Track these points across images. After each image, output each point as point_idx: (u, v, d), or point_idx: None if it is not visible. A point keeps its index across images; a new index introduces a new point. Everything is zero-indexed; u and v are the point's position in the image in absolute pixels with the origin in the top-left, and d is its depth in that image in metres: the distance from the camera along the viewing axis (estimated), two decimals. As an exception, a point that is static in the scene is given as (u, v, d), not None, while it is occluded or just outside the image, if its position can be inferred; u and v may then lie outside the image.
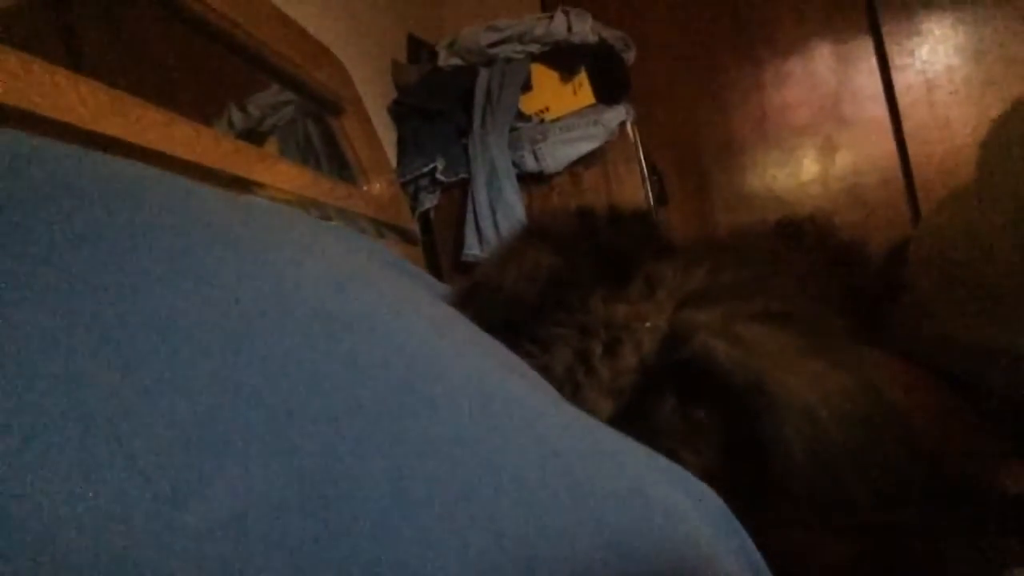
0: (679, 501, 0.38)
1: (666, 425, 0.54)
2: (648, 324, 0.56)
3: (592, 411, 0.53)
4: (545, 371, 0.55)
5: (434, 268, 2.03)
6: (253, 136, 1.53)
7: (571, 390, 0.55)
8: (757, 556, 0.42)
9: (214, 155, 1.07)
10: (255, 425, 0.25)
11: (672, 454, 0.51)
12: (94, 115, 0.84)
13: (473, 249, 1.93)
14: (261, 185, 1.17)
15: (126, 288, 0.26)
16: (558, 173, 1.99)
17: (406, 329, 0.36)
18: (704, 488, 0.44)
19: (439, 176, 1.97)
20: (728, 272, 0.59)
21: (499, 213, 1.91)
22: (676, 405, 0.54)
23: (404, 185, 1.96)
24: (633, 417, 0.54)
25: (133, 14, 1.15)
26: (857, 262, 0.85)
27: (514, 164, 1.96)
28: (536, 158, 1.95)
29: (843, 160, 2.80)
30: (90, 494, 0.21)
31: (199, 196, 0.37)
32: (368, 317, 0.34)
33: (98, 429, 0.22)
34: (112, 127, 0.86)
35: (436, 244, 2.06)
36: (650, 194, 2.03)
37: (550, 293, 0.61)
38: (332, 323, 0.32)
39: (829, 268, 0.79)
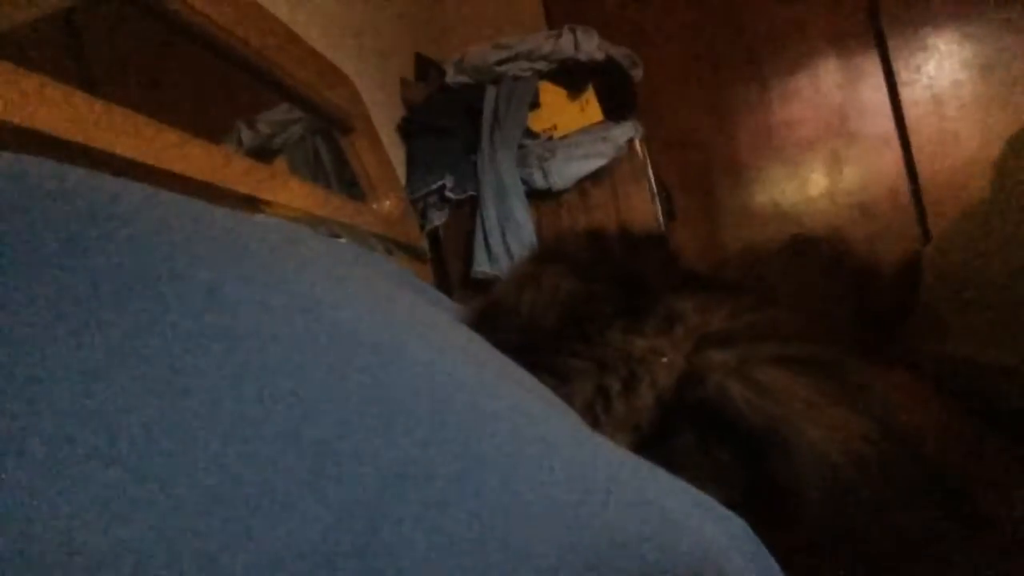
0: (706, 527, 0.38)
1: (686, 460, 0.54)
2: (665, 360, 0.56)
3: None
4: (566, 402, 0.55)
5: (443, 285, 2.03)
6: (262, 153, 1.54)
7: (591, 423, 0.55)
8: None
9: (226, 174, 1.07)
10: (294, 468, 0.25)
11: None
12: (108, 136, 0.84)
13: (482, 266, 1.93)
14: (271, 204, 1.18)
15: (166, 334, 0.26)
16: (566, 190, 1.99)
17: (439, 359, 0.36)
18: (729, 514, 0.43)
19: (448, 193, 1.97)
20: (748, 314, 0.59)
21: (508, 230, 1.91)
22: (695, 442, 0.54)
23: (413, 202, 1.97)
24: (651, 451, 0.54)
25: (142, 31, 1.16)
26: (870, 281, 0.85)
27: (523, 181, 1.97)
28: (544, 175, 1.95)
29: (850, 175, 2.79)
30: (136, 536, 0.21)
31: (215, 217, 0.37)
32: (399, 346, 0.34)
33: (144, 471, 0.22)
34: (126, 148, 0.87)
35: (445, 261, 2.06)
36: (659, 211, 2.02)
37: (568, 319, 0.61)
38: (363, 352, 0.32)
39: (843, 287, 0.79)
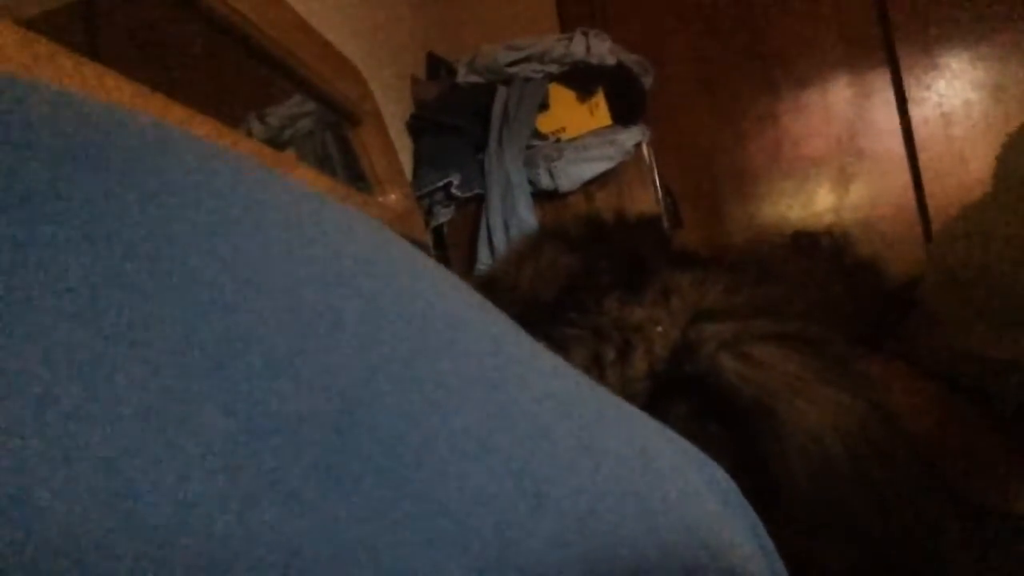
0: (690, 476, 0.38)
1: (679, 432, 0.54)
2: (660, 329, 0.56)
3: None
4: None
5: (446, 283, 2.03)
6: (272, 146, 1.55)
7: None
8: (768, 541, 0.41)
9: (232, 154, 1.08)
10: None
11: None
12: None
13: (486, 264, 1.93)
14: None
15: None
16: (572, 192, 2.00)
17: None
18: (714, 466, 0.43)
19: (454, 191, 1.97)
20: (746, 291, 0.59)
21: (513, 229, 1.91)
22: (689, 414, 0.55)
23: (419, 199, 1.97)
24: None
25: (157, 14, 1.17)
26: (871, 277, 0.85)
27: (529, 181, 1.97)
28: (551, 176, 1.96)
29: (858, 192, 2.79)
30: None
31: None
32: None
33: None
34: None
35: (449, 259, 2.07)
36: (664, 215, 2.03)
37: (567, 293, 0.61)
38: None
39: (843, 280, 0.79)
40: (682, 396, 0.56)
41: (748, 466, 0.55)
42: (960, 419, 0.66)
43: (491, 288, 0.67)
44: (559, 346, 0.57)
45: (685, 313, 0.58)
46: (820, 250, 0.86)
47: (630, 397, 0.56)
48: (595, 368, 0.56)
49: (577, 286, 0.62)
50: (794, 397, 0.52)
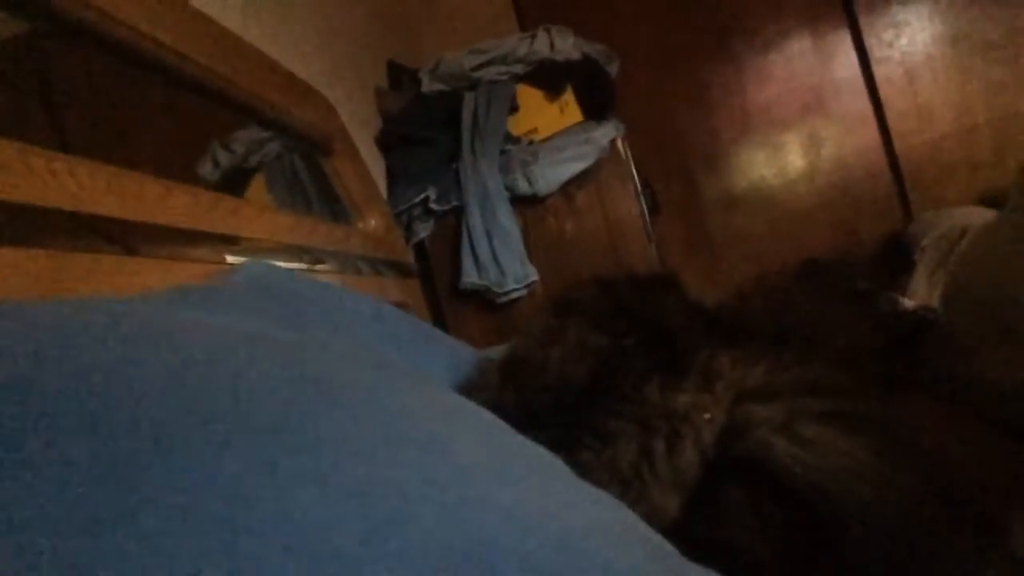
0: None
1: (735, 518, 0.53)
2: (708, 416, 0.55)
3: (660, 506, 0.52)
4: (611, 465, 0.54)
5: (431, 297, 2.01)
6: (239, 173, 1.51)
7: (638, 486, 0.54)
8: None
9: (212, 218, 1.04)
10: None
11: (744, 547, 0.50)
12: (91, 197, 0.81)
13: (470, 276, 1.91)
14: (252, 239, 1.14)
15: None
16: (551, 194, 1.97)
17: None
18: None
19: (432, 205, 1.94)
20: (787, 369, 0.58)
21: (495, 238, 1.89)
22: (743, 498, 0.53)
23: (397, 216, 1.93)
24: (700, 508, 0.53)
25: (110, 64, 1.12)
26: (886, 302, 0.84)
27: (506, 187, 1.94)
28: (528, 181, 1.93)
29: (828, 155, 2.80)
30: None
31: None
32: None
33: None
34: (109, 207, 0.84)
35: (433, 273, 2.03)
36: (644, 208, 2.01)
37: (599, 376, 0.59)
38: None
39: (858, 309, 0.79)
40: (734, 481, 0.55)
41: (807, 547, 0.54)
42: (1001, 462, 0.66)
43: (518, 370, 0.65)
44: (605, 441, 0.56)
45: (729, 395, 0.56)
46: (829, 280, 0.85)
47: (682, 486, 0.55)
48: (645, 462, 0.55)
49: (610, 368, 0.60)
50: (852, 480, 0.51)
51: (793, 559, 0.53)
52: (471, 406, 0.51)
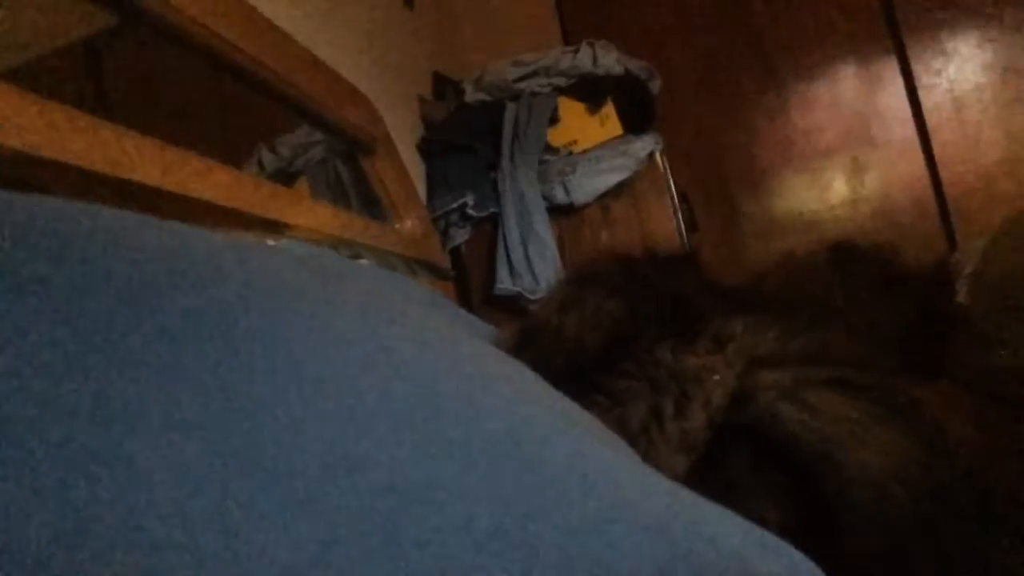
0: (770, 564, 0.37)
1: (740, 481, 0.53)
2: (717, 377, 0.55)
3: (667, 465, 0.53)
4: (620, 424, 0.54)
5: (465, 303, 2.03)
6: (283, 176, 1.55)
7: (646, 445, 0.54)
8: None
9: (252, 200, 1.07)
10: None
11: (749, 509, 0.50)
12: (137, 166, 0.84)
13: (505, 283, 1.92)
14: (295, 227, 1.17)
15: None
16: (588, 205, 1.98)
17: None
18: (788, 548, 0.43)
19: (469, 211, 1.96)
20: (799, 336, 0.58)
21: (530, 247, 1.90)
22: (750, 462, 0.53)
23: (435, 221, 1.96)
24: (707, 470, 0.53)
25: (163, 59, 1.17)
26: (917, 290, 0.84)
27: (544, 197, 1.96)
28: (566, 190, 1.95)
29: (872, 182, 2.76)
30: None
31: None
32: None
33: None
34: (154, 177, 0.87)
35: (468, 279, 2.05)
36: (681, 223, 2.01)
37: (615, 340, 0.60)
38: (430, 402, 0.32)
39: (889, 300, 0.78)
40: (741, 444, 0.55)
41: (810, 511, 0.54)
42: (1015, 444, 0.65)
43: (536, 334, 0.66)
44: (617, 400, 0.56)
45: (740, 360, 0.57)
46: (863, 265, 0.85)
47: (689, 447, 0.55)
48: (654, 421, 0.55)
49: (625, 333, 0.61)
50: (856, 446, 0.51)
51: (797, 523, 0.53)
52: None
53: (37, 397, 0.23)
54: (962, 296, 1.33)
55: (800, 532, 0.52)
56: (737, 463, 0.55)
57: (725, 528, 0.38)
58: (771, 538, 0.42)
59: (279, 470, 0.26)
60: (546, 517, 0.29)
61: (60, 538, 0.21)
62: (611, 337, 0.61)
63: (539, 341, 0.64)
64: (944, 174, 2.67)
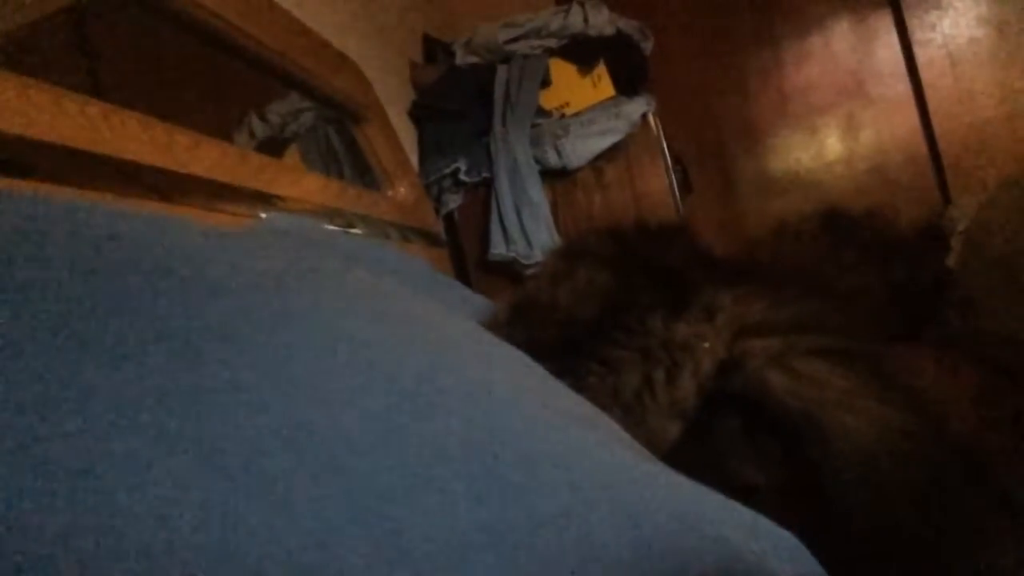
0: (763, 548, 0.38)
1: (731, 446, 0.55)
2: (707, 345, 0.56)
3: (659, 432, 0.54)
4: (613, 393, 0.55)
5: (460, 268, 2.03)
6: (274, 143, 1.54)
7: (640, 412, 0.55)
8: None
9: (241, 173, 1.07)
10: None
11: (738, 474, 0.52)
12: (123, 143, 0.84)
13: (499, 248, 1.92)
14: (285, 199, 1.17)
15: None
16: (581, 168, 1.98)
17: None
18: (784, 534, 0.44)
19: (462, 176, 1.96)
20: (787, 306, 0.59)
21: (524, 211, 1.90)
22: (739, 428, 0.55)
23: (427, 186, 1.96)
24: (698, 436, 0.55)
25: (149, 29, 1.15)
26: (904, 254, 0.84)
27: (536, 160, 1.95)
28: (559, 154, 1.94)
29: (867, 139, 2.75)
30: None
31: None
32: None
33: None
34: (141, 154, 0.87)
35: (461, 244, 2.06)
36: (674, 184, 2.01)
37: (607, 311, 0.61)
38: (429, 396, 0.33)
39: (879, 267, 0.79)
40: (731, 411, 0.56)
41: (798, 477, 0.55)
42: (1002, 411, 0.66)
43: (529, 308, 0.67)
44: (610, 368, 0.58)
45: (730, 329, 0.58)
46: (855, 233, 0.86)
47: (680, 415, 0.56)
48: (647, 390, 0.56)
49: (617, 304, 0.62)
50: (843, 412, 0.52)
51: (786, 488, 0.55)
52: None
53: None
54: (954, 256, 1.33)
55: (789, 496, 0.54)
56: (728, 429, 0.56)
57: (707, 510, 0.39)
58: (754, 517, 0.43)
59: (258, 470, 0.27)
60: (526, 506, 0.30)
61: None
62: (603, 308, 0.62)
63: (532, 315, 0.65)
64: (938, 129, 2.66)
